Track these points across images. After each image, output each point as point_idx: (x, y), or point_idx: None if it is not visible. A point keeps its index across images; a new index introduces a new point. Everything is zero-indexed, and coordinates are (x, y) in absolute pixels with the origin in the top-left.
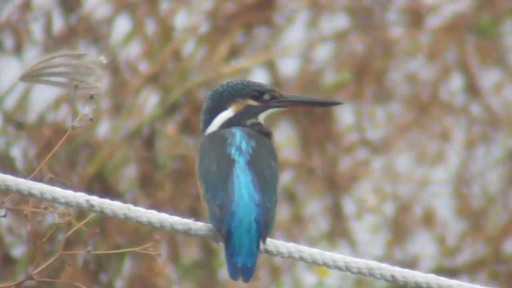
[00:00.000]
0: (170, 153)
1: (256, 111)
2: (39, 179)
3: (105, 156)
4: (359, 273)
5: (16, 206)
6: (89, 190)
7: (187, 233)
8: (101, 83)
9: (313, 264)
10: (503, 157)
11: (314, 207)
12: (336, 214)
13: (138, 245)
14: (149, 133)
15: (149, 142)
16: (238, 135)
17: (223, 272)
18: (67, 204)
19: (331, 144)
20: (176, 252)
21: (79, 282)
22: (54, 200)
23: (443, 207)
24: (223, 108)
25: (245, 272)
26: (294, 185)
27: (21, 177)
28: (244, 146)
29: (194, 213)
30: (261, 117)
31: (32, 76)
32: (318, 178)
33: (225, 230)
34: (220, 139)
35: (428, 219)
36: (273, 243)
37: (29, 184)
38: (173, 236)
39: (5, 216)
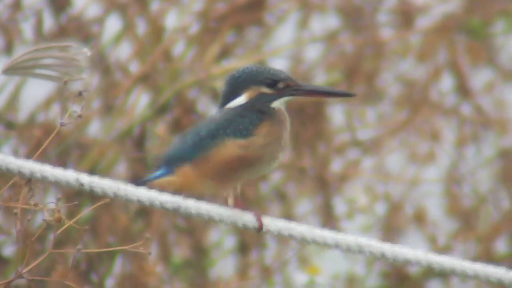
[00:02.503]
0: (161, 153)
1: (268, 99)
2: (28, 177)
3: (96, 156)
4: (349, 250)
5: (6, 203)
6: (80, 189)
7: (176, 211)
8: (87, 74)
9: (303, 241)
10: (493, 156)
11: (305, 207)
12: (327, 214)
13: (129, 244)
14: (140, 133)
15: (140, 142)
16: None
17: (215, 271)
18: (57, 182)
19: (322, 144)
20: (167, 251)
21: (69, 281)
22: (44, 179)
23: (434, 206)
24: (238, 93)
25: None
26: (284, 185)
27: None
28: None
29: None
30: (276, 105)
31: (15, 69)
32: (309, 178)
33: None
34: None
35: (419, 219)
36: (263, 221)
37: (19, 163)
38: (164, 235)
39: None
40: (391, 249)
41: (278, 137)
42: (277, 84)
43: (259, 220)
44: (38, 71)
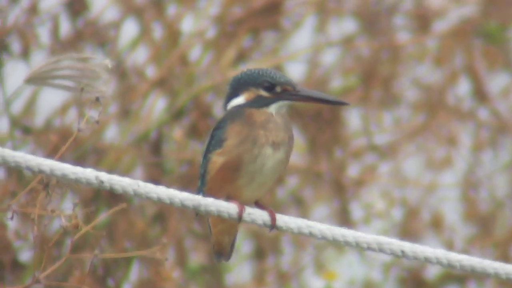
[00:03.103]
0: (178, 157)
1: (265, 102)
2: (45, 183)
3: (113, 160)
4: (369, 248)
5: (23, 208)
6: (96, 195)
7: (196, 209)
8: (108, 86)
9: (323, 239)
10: (510, 161)
11: (322, 212)
12: (344, 219)
13: (145, 250)
14: (157, 137)
15: (156, 146)
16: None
17: (231, 277)
18: (77, 180)
19: (338, 148)
20: (184, 256)
21: (86, 286)
22: (64, 177)
23: (451, 211)
24: (237, 94)
25: None
26: (301, 190)
27: (28, 181)
28: None
29: (201, 216)
30: (272, 108)
31: (38, 79)
32: (326, 183)
33: None
34: None
35: (436, 224)
36: (283, 219)
37: (39, 161)
38: (180, 240)
39: (12, 218)
40: (411, 247)
41: (249, 135)
42: (274, 88)
43: (240, 211)
44: (59, 81)
